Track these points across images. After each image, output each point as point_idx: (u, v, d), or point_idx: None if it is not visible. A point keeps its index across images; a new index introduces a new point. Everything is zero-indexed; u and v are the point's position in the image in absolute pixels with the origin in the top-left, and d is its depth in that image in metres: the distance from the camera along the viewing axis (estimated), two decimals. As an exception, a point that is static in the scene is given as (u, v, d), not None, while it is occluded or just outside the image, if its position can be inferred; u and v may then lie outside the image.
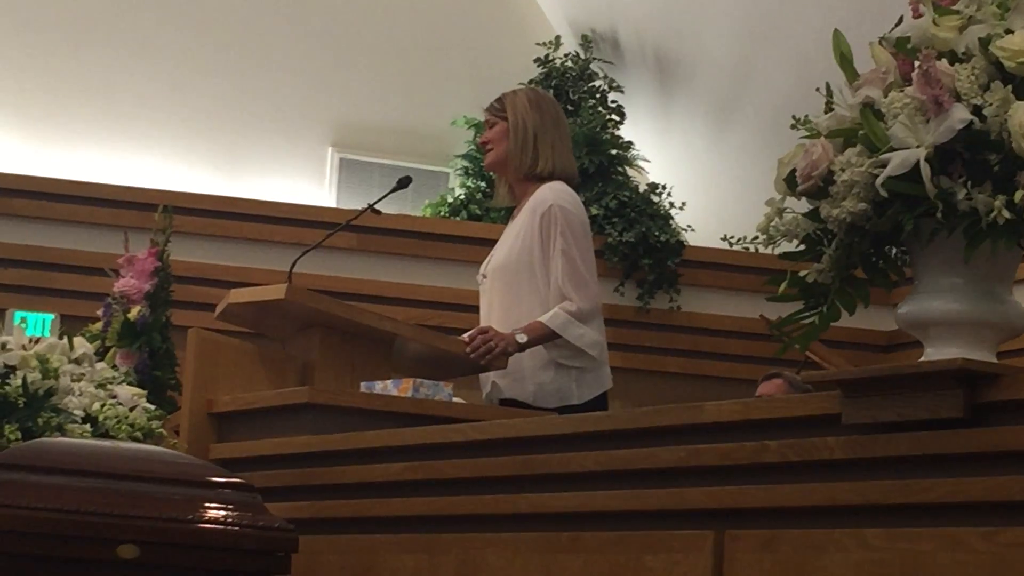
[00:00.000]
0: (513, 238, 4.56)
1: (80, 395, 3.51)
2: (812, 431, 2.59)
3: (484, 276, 4.67)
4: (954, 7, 2.65)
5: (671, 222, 7.76)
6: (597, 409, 4.30)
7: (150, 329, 4.17)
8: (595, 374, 4.49)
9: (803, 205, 2.77)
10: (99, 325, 4.25)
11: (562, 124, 4.68)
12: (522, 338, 4.35)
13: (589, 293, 4.40)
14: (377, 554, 3.37)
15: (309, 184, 8.45)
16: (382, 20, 8.66)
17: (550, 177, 4.56)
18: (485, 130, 4.73)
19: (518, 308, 4.47)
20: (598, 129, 7.89)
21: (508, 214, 7.67)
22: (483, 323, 4.60)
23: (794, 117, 2.84)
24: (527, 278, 4.48)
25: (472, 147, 8.24)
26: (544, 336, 4.37)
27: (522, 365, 4.44)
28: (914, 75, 2.59)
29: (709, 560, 2.68)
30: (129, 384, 3.75)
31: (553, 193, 4.50)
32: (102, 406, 3.50)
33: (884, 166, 2.56)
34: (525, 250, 4.49)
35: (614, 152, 8.00)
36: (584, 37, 8.51)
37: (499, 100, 4.73)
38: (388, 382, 4.00)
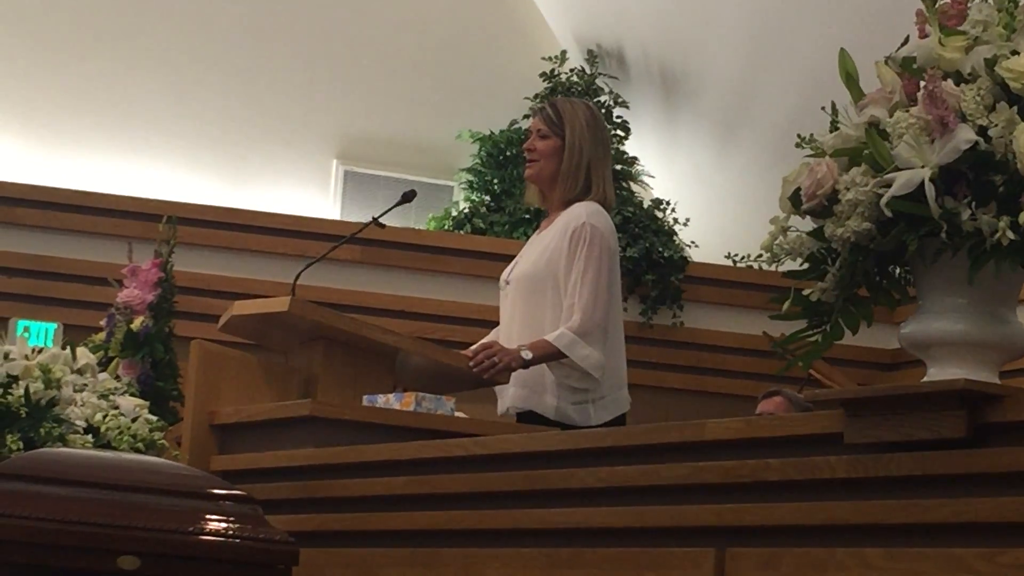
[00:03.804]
0: (542, 249, 4.48)
1: (82, 405, 3.51)
2: (814, 450, 2.59)
3: (507, 283, 4.61)
4: (960, 28, 2.65)
5: (675, 238, 7.77)
6: None
7: (153, 340, 4.17)
8: (614, 395, 4.44)
9: (807, 223, 2.77)
10: (102, 335, 4.25)
11: (609, 148, 4.60)
12: (527, 355, 4.28)
13: (595, 313, 4.30)
14: (378, 568, 3.37)
15: (314, 196, 8.45)
16: (388, 33, 8.67)
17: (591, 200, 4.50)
18: (531, 134, 4.56)
19: (541, 320, 4.41)
20: (603, 144, 7.88)
21: (512, 228, 7.74)
22: (504, 330, 4.55)
23: (799, 135, 2.84)
24: (552, 291, 4.42)
25: (477, 161, 8.24)
26: (550, 355, 4.30)
27: (544, 379, 4.40)
28: (919, 95, 2.59)
29: (710, 578, 2.68)
30: (131, 395, 3.75)
31: (587, 211, 4.42)
32: (104, 417, 3.50)
33: (889, 186, 2.56)
34: (552, 263, 4.43)
35: (619, 167, 8.00)
36: (590, 52, 8.51)
37: (555, 109, 4.55)
38: (390, 396, 3.99)
